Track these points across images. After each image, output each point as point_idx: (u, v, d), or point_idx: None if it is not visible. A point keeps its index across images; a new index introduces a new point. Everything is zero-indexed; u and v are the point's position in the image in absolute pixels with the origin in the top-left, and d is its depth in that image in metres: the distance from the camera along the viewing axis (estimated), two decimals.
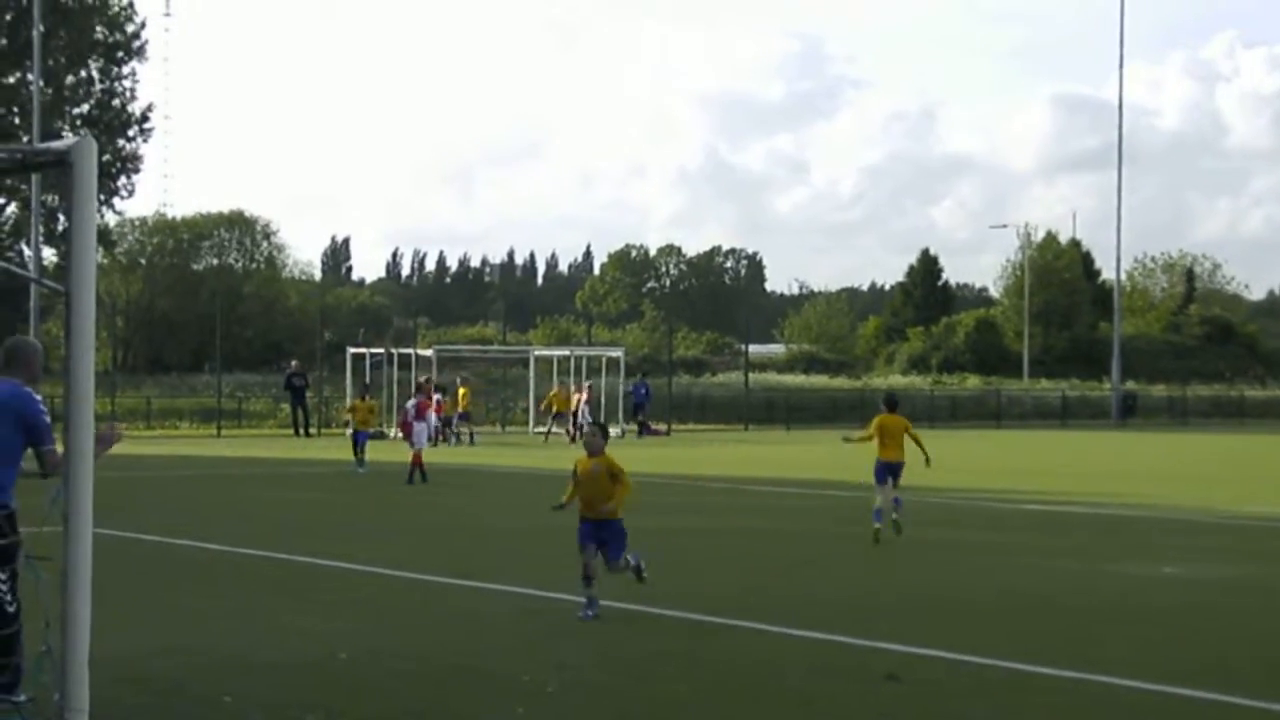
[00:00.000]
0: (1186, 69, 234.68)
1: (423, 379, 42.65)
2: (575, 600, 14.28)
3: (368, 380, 45.19)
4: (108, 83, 77.08)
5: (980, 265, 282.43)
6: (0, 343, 9.77)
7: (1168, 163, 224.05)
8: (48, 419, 9.46)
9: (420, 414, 32.97)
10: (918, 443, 21.49)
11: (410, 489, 30.06)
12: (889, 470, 21.21)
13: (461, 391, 50.54)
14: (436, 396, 35.61)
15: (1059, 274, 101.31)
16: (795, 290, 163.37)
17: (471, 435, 49.15)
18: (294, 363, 55.50)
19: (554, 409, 52.69)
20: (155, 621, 13.76)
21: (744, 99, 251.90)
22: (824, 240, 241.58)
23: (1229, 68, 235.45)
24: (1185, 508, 26.97)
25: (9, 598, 9.43)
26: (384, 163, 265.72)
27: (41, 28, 52.76)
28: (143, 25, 78.00)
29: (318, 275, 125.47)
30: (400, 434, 38.49)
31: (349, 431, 35.84)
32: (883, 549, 20.17)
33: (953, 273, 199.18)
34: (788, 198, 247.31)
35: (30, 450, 9.40)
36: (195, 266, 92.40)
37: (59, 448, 8.63)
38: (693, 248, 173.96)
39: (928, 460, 21.94)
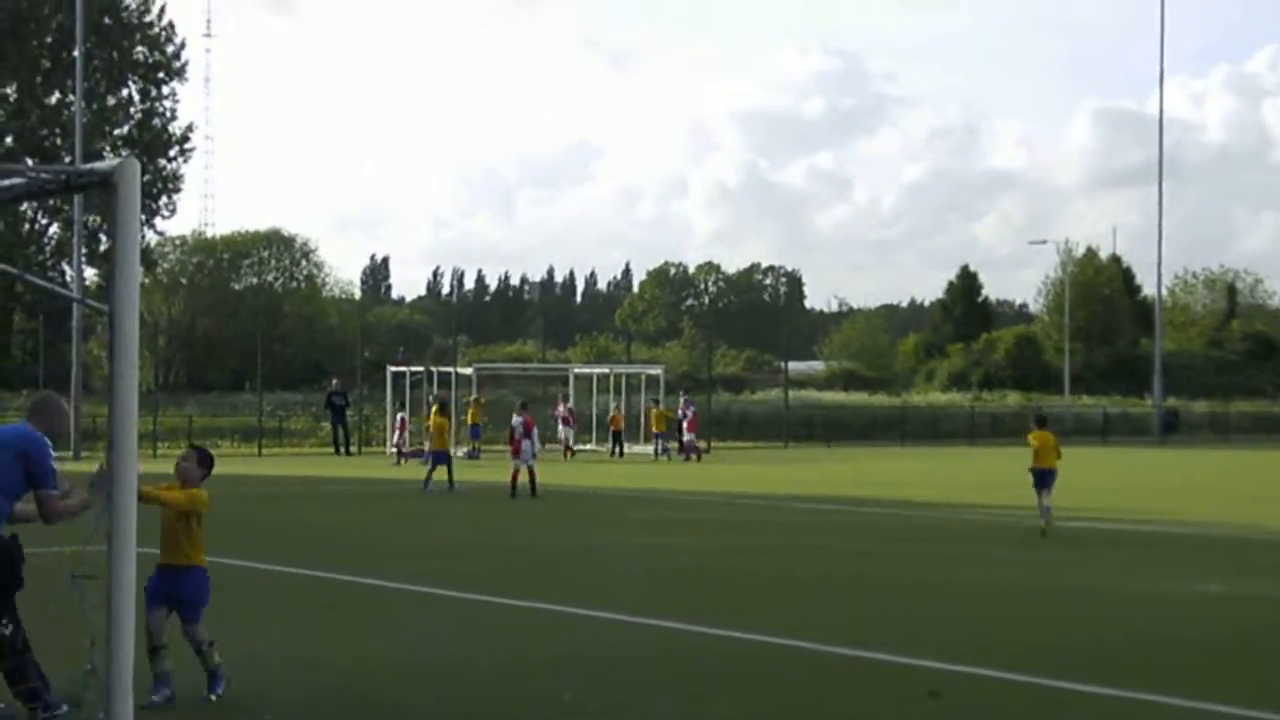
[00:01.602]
0: (1230, 83, 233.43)
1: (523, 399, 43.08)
2: (608, 618, 14.18)
3: (478, 395, 45.46)
4: (148, 103, 77.67)
5: (1021, 281, 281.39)
6: (36, 384, 10.19)
7: (1212, 177, 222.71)
8: (53, 464, 9.84)
9: (528, 431, 33.04)
10: (1058, 452, 25.19)
11: (513, 504, 30.51)
12: (1045, 477, 24.81)
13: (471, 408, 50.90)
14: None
15: (1099, 290, 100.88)
16: (834, 307, 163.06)
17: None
18: (334, 381, 55.63)
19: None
20: None
21: (785, 116, 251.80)
22: (865, 257, 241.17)
23: (1273, 81, 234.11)
24: (1233, 525, 26.78)
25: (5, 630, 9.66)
26: (425, 182, 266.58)
27: (83, 49, 53.06)
28: (182, 45, 78.68)
29: (357, 294, 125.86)
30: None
31: (426, 449, 35.27)
32: (922, 564, 20.09)
33: (994, 289, 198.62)
34: (829, 215, 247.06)
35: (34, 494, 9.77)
36: (235, 286, 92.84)
37: (101, 463, 8.64)
38: (733, 265, 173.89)
39: (1058, 456, 25.25)
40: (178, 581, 10.96)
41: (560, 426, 53.27)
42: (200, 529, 10.99)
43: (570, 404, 54.87)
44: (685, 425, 51.72)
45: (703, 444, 56.47)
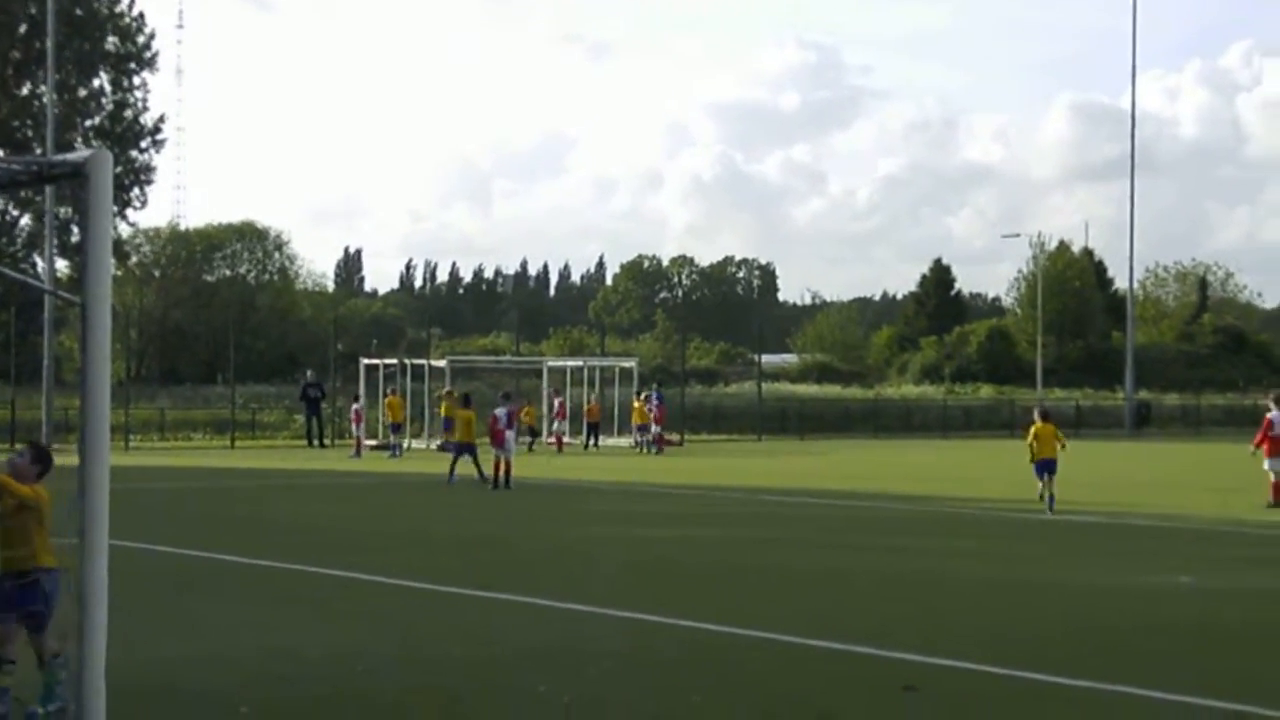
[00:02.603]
0: (1204, 77, 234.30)
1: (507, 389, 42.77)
2: (583, 611, 14.16)
3: (451, 388, 45.06)
4: (120, 94, 77.35)
5: (996, 274, 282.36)
6: (7, 377, 10.09)
7: (1186, 171, 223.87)
8: None
9: (511, 422, 32.95)
10: (1062, 443, 27.71)
11: (494, 496, 30.40)
12: (1045, 466, 27.33)
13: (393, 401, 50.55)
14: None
15: (1070, 283, 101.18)
16: (808, 300, 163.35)
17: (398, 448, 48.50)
18: (309, 373, 55.52)
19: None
20: (170, 633, 13.74)
21: (761, 109, 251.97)
22: (839, 250, 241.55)
23: (1247, 76, 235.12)
24: (1204, 517, 26.88)
25: None
26: (399, 175, 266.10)
27: (54, 40, 52.80)
28: (153, 36, 78.34)
29: (331, 287, 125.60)
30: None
31: (449, 441, 34.53)
32: (897, 557, 20.12)
33: (969, 282, 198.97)
34: (804, 208, 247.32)
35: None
36: (208, 278, 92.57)
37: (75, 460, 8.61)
38: (708, 258, 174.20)
39: (1063, 446, 27.81)
40: (34, 585, 9.85)
41: (555, 421, 53.16)
42: (46, 528, 9.94)
43: (562, 398, 54.77)
44: (652, 418, 51.77)
45: (676, 436, 56.54)
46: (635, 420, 52.78)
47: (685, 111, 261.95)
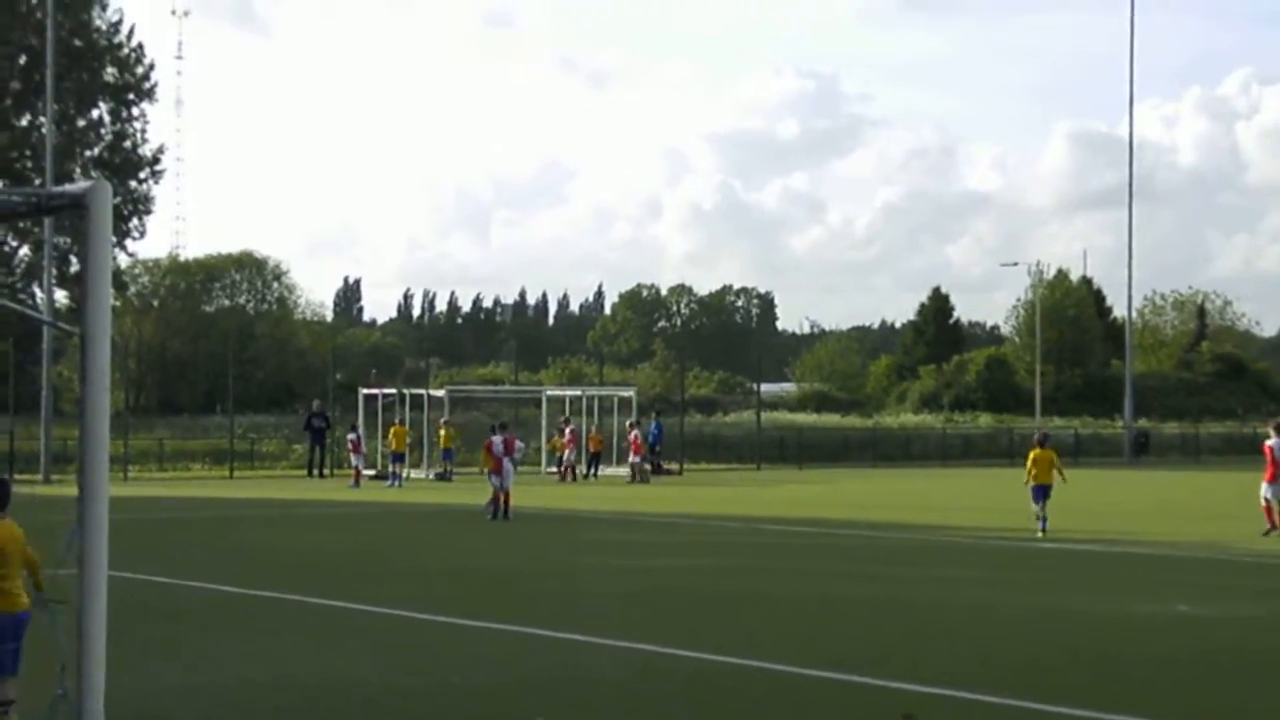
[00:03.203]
0: (1203, 106, 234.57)
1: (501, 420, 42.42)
2: (579, 640, 14.14)
3: (503, 422, 44.87)
4: (119, 125, 77.40)
5: (995, 303, 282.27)
6: (5, 408, 10.03)
7: (1185, 199, 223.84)
8: None
9: (509, 451, 32.87)
10: (1059, 470, 29.04)
11: (493, 526, 30.42)
12: (1042, 491, 28.56)
13: (444, 433, 50.55)
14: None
15: (1068, 312, 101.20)
16: (806, 329, 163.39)
17: (403, 475, 48.39)
18: (315, 403, 55.32)
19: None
20: (170, 663, 13.74)
21: (759, 138, 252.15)
22: (837, 279, 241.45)
23: (1245, 104, 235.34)
24: (1202, 545, 26.88)
25: None
26: (398, 204, 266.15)
27: (53, 71, 52.93)
28: (152, 67, 78.38)
29: (330, 316, 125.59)
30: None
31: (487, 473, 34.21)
32: (895, 585, 20.13)
33: (968, 311, 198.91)
34: (803, 237, 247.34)
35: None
36: (207, 308, 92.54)
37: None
38: (707, 287, 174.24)
39: (1063, 479, 29.23)
40: (15, 629, 9.57)
41: (566, 450, 52.89)
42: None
43: (573, 426, 54.31)
44: (630, 449, 51.58)
45: (675, 466, 56.48)
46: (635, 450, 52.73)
47: (684, 141, 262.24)
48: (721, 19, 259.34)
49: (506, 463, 32.42)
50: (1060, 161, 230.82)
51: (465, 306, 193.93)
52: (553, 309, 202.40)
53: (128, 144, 77.50)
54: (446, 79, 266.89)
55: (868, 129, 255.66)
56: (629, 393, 60.75)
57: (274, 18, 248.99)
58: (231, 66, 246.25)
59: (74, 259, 66.45)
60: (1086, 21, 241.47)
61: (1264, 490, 28.95)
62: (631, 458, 51.43)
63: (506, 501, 31.97)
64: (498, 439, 32.88)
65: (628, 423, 53.84)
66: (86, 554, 8.12)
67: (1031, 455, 29.26)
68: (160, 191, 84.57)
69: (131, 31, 77.55)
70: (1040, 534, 27.75)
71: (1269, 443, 29.15)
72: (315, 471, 52.21)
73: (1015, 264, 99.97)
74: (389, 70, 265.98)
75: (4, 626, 9.53)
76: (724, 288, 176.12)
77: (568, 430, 52.47)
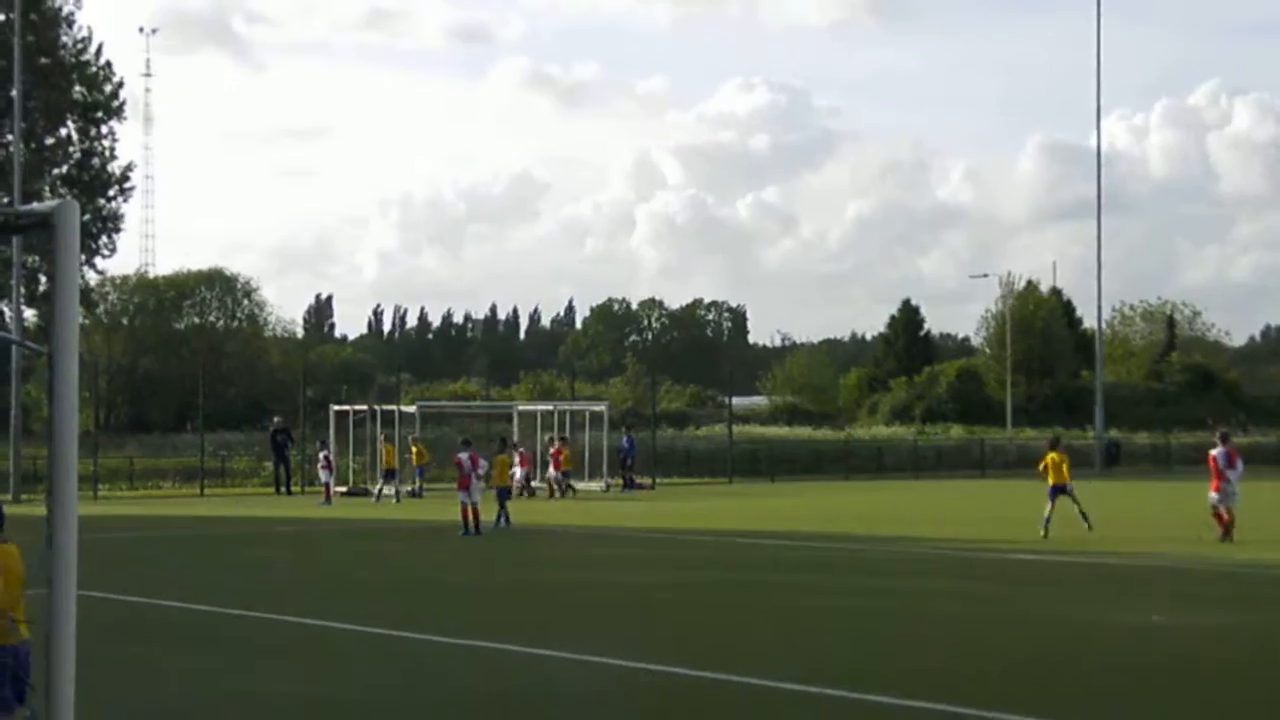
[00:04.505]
0: (1172, 117, 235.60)
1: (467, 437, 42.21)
2: (553, 656, 14.12)
3: (467, 439, 44.67)
4: (87, 142, 77.15)
5: (967, 314, 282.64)
6: None
7: (1155, 210, 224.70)
8: None
9: (475, 467, 32.88)
10: (1067, 471, 31.38)
11: (464, 541, 30.38)
12: (1057, 490, 30.97)
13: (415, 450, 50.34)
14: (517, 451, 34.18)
15: (1037, 323, 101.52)
16: (778, 342, 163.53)
17: (397, 494, 48.32)
18: (276, 419, 55.20)
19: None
20: (135, 684, 13.66)
21: (731, 152, 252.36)
22: (810, 292, 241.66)
23: (1215, 115, 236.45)
24: (1174, 555, 26.95)
25: None
26: (368, 220, 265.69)
27: (20, 89, 52.75)
28: (120, 84, 78.15)
29: (300, 333, 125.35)
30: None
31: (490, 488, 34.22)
32: (869, 598, 20.13)
33: (939, 323, 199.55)
34: (776, 249, 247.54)
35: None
36: (177, 325, 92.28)
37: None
38: (680, 300, 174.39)
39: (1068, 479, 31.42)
40: (18, 661, 9.05)
41: (552, 467, 52.57)
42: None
43: (523, 450, 54.00)
44: (551, 463, 51.27)
45: (647, 480, 56.45)
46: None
47: (656, 155, 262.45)
48: (693, 33, 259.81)
49: (473, 477, 32.45)
50: (1032, 173, 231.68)
51: (436, 321, 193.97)
52: (524, 323, 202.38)
53: (96, 162, 77.25)
54: (418, 93, 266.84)
55: (839, 142, 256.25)
56: (600, 407, 60.68)
57: (248, 35, 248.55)
58: (199, 82, 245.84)
59: (43, 278, 66.26)
60: (1058, 34, 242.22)
61: (1212, 498, 29.24)
62: (550, 472, 51.14)
63: (476, 517, 31.95)
64: (464, 455, 32.96)
65: (548, 438, 53.61)
66: (55, 574, 8.05)
67: (1047, 458, 32.11)
68: (129, 209, 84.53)
69: (99, 49, 77.37)
70: (1042, 534, 29.81)
71: (1213, 452, 29.50)
72: (282, 488, 52.03)
73: (985, 276, 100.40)
74: (360, 83, 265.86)
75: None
76: (695, 301, 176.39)
77: (553, 448, 52.07)
